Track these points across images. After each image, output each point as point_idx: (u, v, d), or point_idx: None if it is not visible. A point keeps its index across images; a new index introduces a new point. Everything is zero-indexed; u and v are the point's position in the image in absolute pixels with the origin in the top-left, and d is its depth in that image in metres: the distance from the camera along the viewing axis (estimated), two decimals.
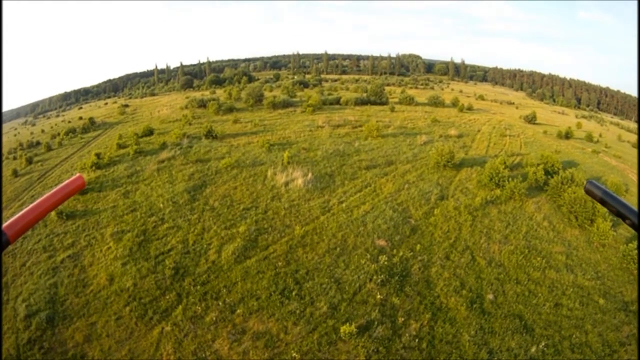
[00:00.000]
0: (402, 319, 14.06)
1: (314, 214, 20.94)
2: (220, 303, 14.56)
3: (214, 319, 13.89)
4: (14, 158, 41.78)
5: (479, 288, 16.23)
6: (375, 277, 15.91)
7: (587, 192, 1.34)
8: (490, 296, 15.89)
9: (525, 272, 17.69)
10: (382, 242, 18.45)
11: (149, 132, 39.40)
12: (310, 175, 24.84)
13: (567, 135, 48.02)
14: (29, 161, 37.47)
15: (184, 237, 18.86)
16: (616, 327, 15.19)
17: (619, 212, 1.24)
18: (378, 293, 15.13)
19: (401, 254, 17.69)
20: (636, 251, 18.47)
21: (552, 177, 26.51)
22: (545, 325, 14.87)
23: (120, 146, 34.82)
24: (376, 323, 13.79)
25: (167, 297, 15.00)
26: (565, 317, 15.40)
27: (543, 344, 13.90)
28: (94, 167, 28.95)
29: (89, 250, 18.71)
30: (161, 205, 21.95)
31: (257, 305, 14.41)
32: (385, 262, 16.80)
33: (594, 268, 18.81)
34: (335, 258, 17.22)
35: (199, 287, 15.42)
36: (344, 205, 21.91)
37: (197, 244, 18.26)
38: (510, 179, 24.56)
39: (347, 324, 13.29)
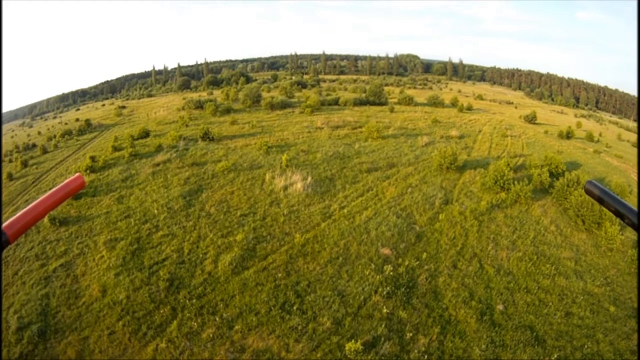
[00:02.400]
0: (411, 334, 13.33)
1: (314, 220, 20.18)
2: (218, 318, 13.77)
3: (211, 335, 13.12)
4: (10, 161, 41.07)
5: (489, 298, 15.56)
6: (380, 289, 15.15)
7: (587, 192, 1.35)
8: (501, 307, 15.23)
9: (535, 280, 17.07)
10: (386, 251, 17.71)
11: (145, 135, 38.68)
12: (310, 179, 24.10)
13: (569, 136, 47.73)
14: (25, 164, 36.78)
15: (179, 246, 18.09)
16: (627, 335, 14.64)
17: (618, 211, 1.23)
18: (384, 307, 14.38)
19: (407, 263, 16.97)
20: None
21: (558, 179, 25.98)
22: (557, 336, 14.24)
23: (115, 149, 34.07)
24: (383, 339, 13.04)
25: (162, 311, 14.23)
26: (576, 326, 14.80)
27: (555, 356, 13.28)
28: (88, 171, 28.24)
29: (81, 259, 17.99)
30: (156, 211, 21.19)
31: (256, 321, 13.63)
32: (391, 273, 16.05)
33: (603, 274, 18.24)
34: (338, 269, 16.45)
35: (194, 300, 14.62)
36: (345, 211, 21.16)
37: (192, 254, 17.48)
38: (515, 182, 23.95)
39: (353, 341, 12.52)
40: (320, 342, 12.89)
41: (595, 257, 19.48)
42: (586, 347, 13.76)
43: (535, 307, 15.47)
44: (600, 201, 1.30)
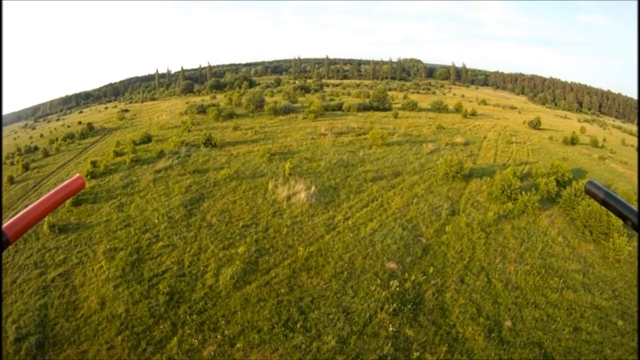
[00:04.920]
0: (417, 353, 12.87)
1: (318, 232, 19.75)
2: (219, 335, 13.36)
3: (212, 353, 12.70)
4: (12, 163, 41.09)
5: (497, 314, 15.15)
6: (386, 305, 14.70)
7: (588, 192, 1.33)
8: (509, 323, 14.82)
9: (542, 294, 16.65)
10: (392, 265, 17.26)
11: (147, 139, 38.49)
12: (313, 188, 23.69)
13: (573, 141, 47.48)
14: (26, 167, 36.73)
15: (180, 257, 17.71)
16: (634, 349, 14.23)
17: (619, 212, 1.22)
18: (390, 324, 13.92)
19: (413, 278, 16.52)
20: None
21: (564, 187, 25.62)
22: (565, 353, 13.82)
23: (117, 154, 33.89)
24: (389, 359, 12.59)
25: (161, 326, 13.85)
26: (584, 342, 14.37)
27: None
28: (89, 176, 28.01)
29: (80, 268, 17.67)
30: (156, 220, 20.85)
31: (258, 339, 13.20)
32: (397, 288, 15.60)
33: (611, 286, 17.82)
34: (343, 284, 15.99)
35: (195, 316, 14.21)
36: (350, 222, 20.73)
37: (193, 266, 17.09)
38: (522, 192, 23.55)
39: None
40: None
41: (602, 269, 19.08)
42: None
43: (544, 323, 15.05)
44: (603, 202, 1.28)
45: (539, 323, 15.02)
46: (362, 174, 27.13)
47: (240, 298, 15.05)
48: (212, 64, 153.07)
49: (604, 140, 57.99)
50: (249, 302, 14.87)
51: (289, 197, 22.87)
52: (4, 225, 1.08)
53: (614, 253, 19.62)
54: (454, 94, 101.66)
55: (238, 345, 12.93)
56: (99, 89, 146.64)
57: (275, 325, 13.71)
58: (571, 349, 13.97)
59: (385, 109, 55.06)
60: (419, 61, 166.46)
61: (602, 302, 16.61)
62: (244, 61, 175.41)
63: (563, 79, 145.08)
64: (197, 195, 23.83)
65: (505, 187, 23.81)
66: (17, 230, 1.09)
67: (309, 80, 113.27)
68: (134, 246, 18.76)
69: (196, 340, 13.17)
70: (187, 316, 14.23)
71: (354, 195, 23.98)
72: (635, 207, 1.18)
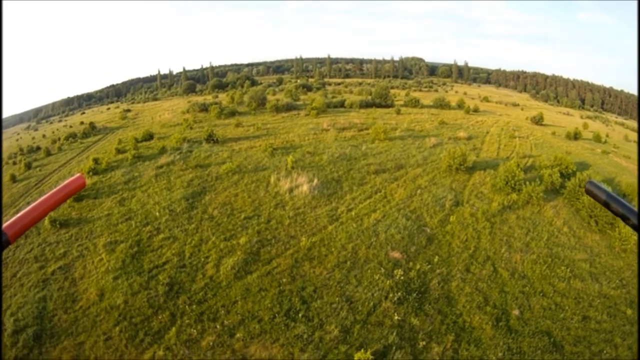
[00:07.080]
0: (423, 343, 12.59)
1: (321, 223, 19.49)
2: (218, 325, 13.09)
3: (211, 343, 12.44)
4: (14, 163, 41.20)
5: (504, 303, 14.84)
6: (391, 294, 14.40)
7: (588, 192, 1.32)
8: (516, 312, 14.51)
9: (550, 283, 16.36)
10: (396, 254, 16.98)
11: (149, 137, 38.47)
12: (316, 180, 23.46)
13: (576, 136, 47.26)
14: (28, 166, 36.77)
15: (180, 249, 17.49)
16: None
17: (620, 212, 1.20)
18: (395, 313, 13.63)
19: (418, 267, 16.23)
20: None
21: (568, 179, 25.33)
22: (574, 342, 13.52)
23: (119, 151, 33.85)
24: (394, 348, 12.29)
25: (160, 317, 13.60)
26: (594, 330, 14.10)
27: None
28: (91, 173, 27.91)
29: (80, 261, 17.49)
30: (157, 213, 20.65)
31: (259, 329, 12.94)
32: (402, 277, 15.30)
33: (618, 275, 17.53)
34: (346, 273, 15.71)
35: (194, 306, 13.96)
36: (353, 213, 20.48)
37: (193, 257, 16.86)
38: (526, 183, 23.27)
39: (362, 350, 11.79)
40: (327, 351, 12.18)
41: (609, 259, 18.79)
42: (604, 352, 13.13)
43: (552, 312, 14.76)
44: (601, 202, 1.27)
45: (547, 312, 14.74)
46: (364, 167, 26.90)
47: (240, 288, 14.79)
48: (214, 64, 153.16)
49: (607, 135, 57.80)
50: (249, 291, 14.60)
51: (291, 190, 22.63)
52: (4, 224, 1.07)
53: (620, 243, 19.38)
54: (456, 92, 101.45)
55: (238, 335, 12.67)
56: (101, 90, 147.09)
57: (277, 315, 13.43)
58: (581, 338, 13.70)
59: (387, 106, 54.90)
60: (420, 59, 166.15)
61: (610, 291, 16.34)
62: (245, 61, 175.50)
63: (565, 76, 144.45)
64: (199, 188, 23.65)
65: (509, 178, 23.54)
66: (17, 229, 1.09)
67: (311, 79, 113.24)
68: (134, 239, 18.56)
69: (195, 331, 12.92)
70: (187, 306, 13.98)
71: (357, 187, 23.74)
72: (635, 207, 1.17)
